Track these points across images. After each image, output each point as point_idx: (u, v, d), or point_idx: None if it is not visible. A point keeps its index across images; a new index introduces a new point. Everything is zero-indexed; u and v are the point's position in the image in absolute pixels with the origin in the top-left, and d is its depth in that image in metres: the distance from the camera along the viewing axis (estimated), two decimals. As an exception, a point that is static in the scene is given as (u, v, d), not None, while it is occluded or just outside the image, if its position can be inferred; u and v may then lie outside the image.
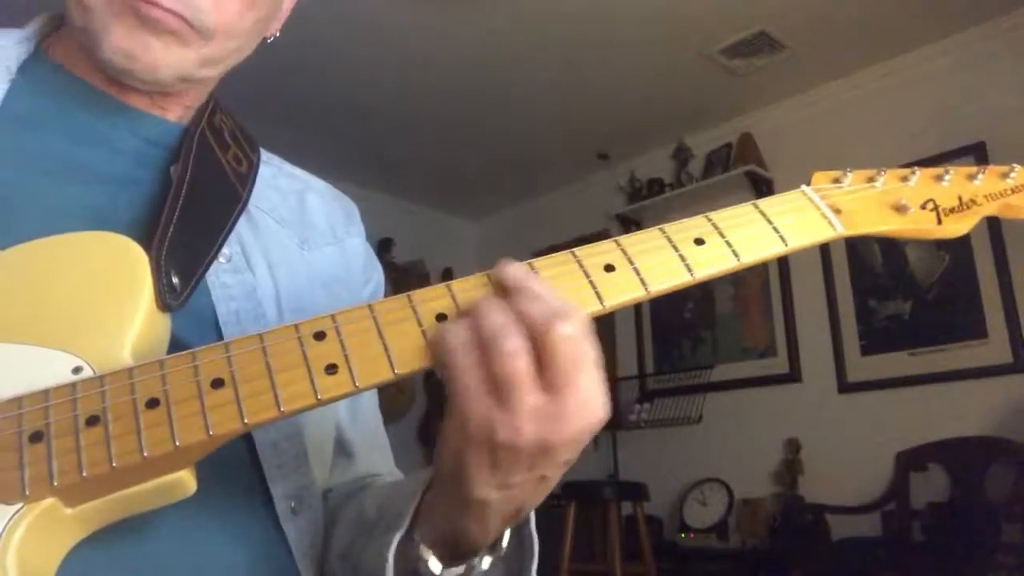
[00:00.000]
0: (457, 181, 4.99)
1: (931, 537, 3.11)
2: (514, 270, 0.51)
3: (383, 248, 4.71)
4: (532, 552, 0.58)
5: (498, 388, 0.46)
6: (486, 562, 0.55)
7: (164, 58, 0.63)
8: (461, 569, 0.55)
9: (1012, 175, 0.67)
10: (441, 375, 0.48)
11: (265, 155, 0.80)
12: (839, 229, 0.61)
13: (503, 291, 0.50)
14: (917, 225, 0.63)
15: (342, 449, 0.77)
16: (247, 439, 0.63)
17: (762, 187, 4.04)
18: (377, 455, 0.81)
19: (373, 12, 3.27)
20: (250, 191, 0.72)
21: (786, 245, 0.58)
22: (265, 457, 0.64)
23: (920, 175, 0.66)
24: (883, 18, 3.37)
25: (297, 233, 0.76)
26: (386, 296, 0.77)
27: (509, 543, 0.57)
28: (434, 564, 0.54)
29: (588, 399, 0.48)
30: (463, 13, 3.30)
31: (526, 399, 0.46)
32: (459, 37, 3.49)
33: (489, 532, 0.53)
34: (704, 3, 3.26)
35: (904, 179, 0.66)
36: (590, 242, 0.56)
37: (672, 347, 4.42)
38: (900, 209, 0.64)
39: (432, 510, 0.55)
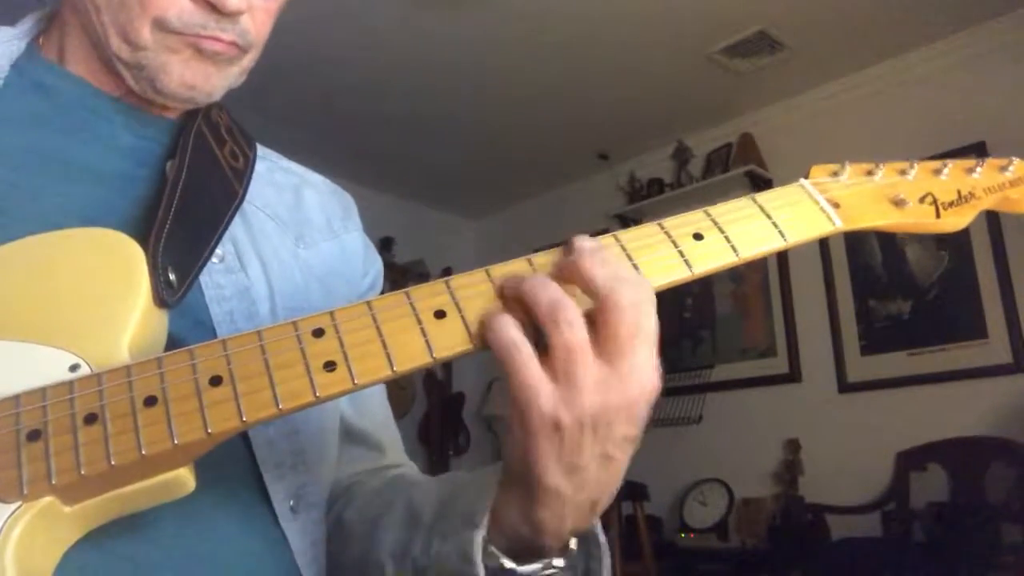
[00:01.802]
0: (457, 180, 4.99)
1: (931, 537, 3.10)
2: (579, 241, 0.52)
3: (383, 247, 4.71)
4: (599, 553, 0.57)
5: (559, 368, 0.47)
6: (559, 561, 0.55)
7: (220, 82, 0.67)
8: (539, 565, 0.54)
9: (1010, 168, 0.67)
10: (500, 368, 0.48)
11: (261, 150, 0.80)
12: (838, 223, 0.60)
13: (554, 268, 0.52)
14: (916, 219, 0.63)
15: (360, 440, 0.77)
16: (244, 438, 0.63)
17: (762, 187, 4.02)
18: (393, 446, 0.81)
19: (373, 12, 3.27)
20: (246, 188, 0.72)
21: (785, 240, 0.58)
22: (262, 456, 0.64)
23: (918, 168, 0.66)
24: (883, 18, 3.37)
25: (292, 230, 0.76)
26: (384, 289, 0.77)
27: (579, 550, 0.56)
28: (508, 562, 0.54)
29: (644, 366, 0.49)
30: (463, 13, 3.30)
31: (589, 371, 0.47)
32: (459, 37, 3.49)
33: (565, 527, 0.53)
34: (704, 3, 3.26)
35: (903, 172, 0.65)
36: (590, 242, 0.56)
37: (672, 347, 4.42)
38: (898, 203, 0.63)
39: (504, 509, 0.54)
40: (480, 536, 0.54)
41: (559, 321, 0.48)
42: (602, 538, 0.58)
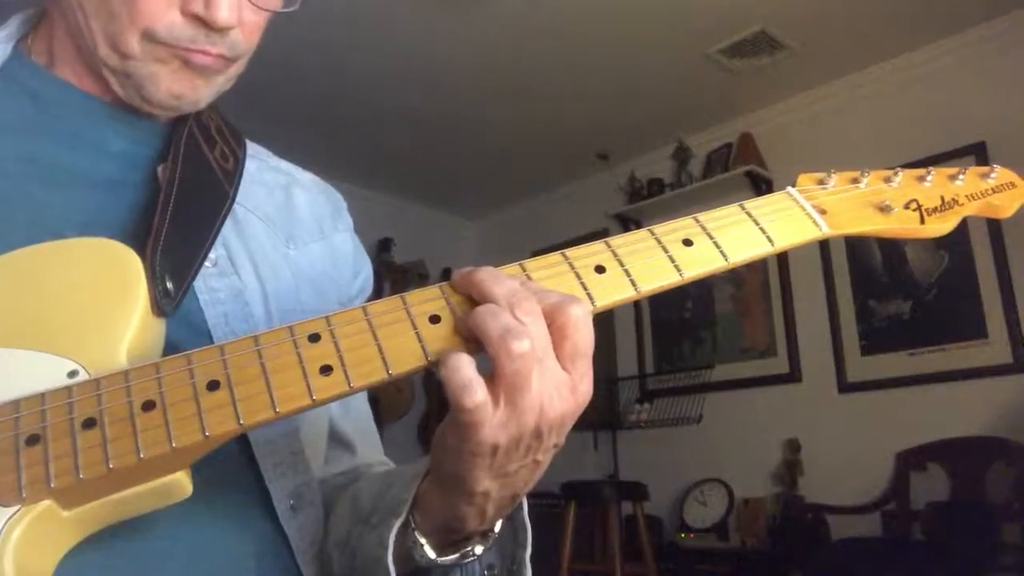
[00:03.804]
0: (457, 181, 5.00)
1: (931, 537, 3.11)
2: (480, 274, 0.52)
3: (383, 248, 4.72)
4: (525, 538, 0.60)
5: (503, 393, 0.48)
6: (479, 549, 0.57)
7: (206, 91, 0.67)
8: (456, 555, 0.56)
9: (992, 175, 0.69)
10: (447, 397, 0.48)
11: (251, 148, 0.80)
12: (824, 229, 0.62)
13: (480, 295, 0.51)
14: (901, 225, 0.64)
15: (339, 442, 0.78)
16: (243, 439, 0.63)
17: (762, 187, 4.04)
18: (371, 446, 0.81)
19: (373, 12, 3.27)
20: (236, 190, 0.72)
21: (772, 245, 0.59)
22: (261, 457, 0.64)
23: (903, 176, 0.67)
24: (883, 18, 3.37)
25: (283, 231, 0.76)
26: (375, 290, 0.77)
27: (502, 530, 0.58)
28: (429, 551, 0.56)
29: (583, 380, 0.50)
30: (463, 13, 3.31)
31: (531, 397, 0.48)
32: (460, 37, 3.50)
33: (486, 519, 0.55)
34: (704, 3, 3.26)
35: (887, 180, 0.67)
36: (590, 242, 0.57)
37: (672, 347, 4.42)
38: (884, 209, 0.65)
39: (429, 500, 0.56)
40: (397, 523, 0.56)
41: (512, 353, 0.47)
42: (527, 521, 0.60)
